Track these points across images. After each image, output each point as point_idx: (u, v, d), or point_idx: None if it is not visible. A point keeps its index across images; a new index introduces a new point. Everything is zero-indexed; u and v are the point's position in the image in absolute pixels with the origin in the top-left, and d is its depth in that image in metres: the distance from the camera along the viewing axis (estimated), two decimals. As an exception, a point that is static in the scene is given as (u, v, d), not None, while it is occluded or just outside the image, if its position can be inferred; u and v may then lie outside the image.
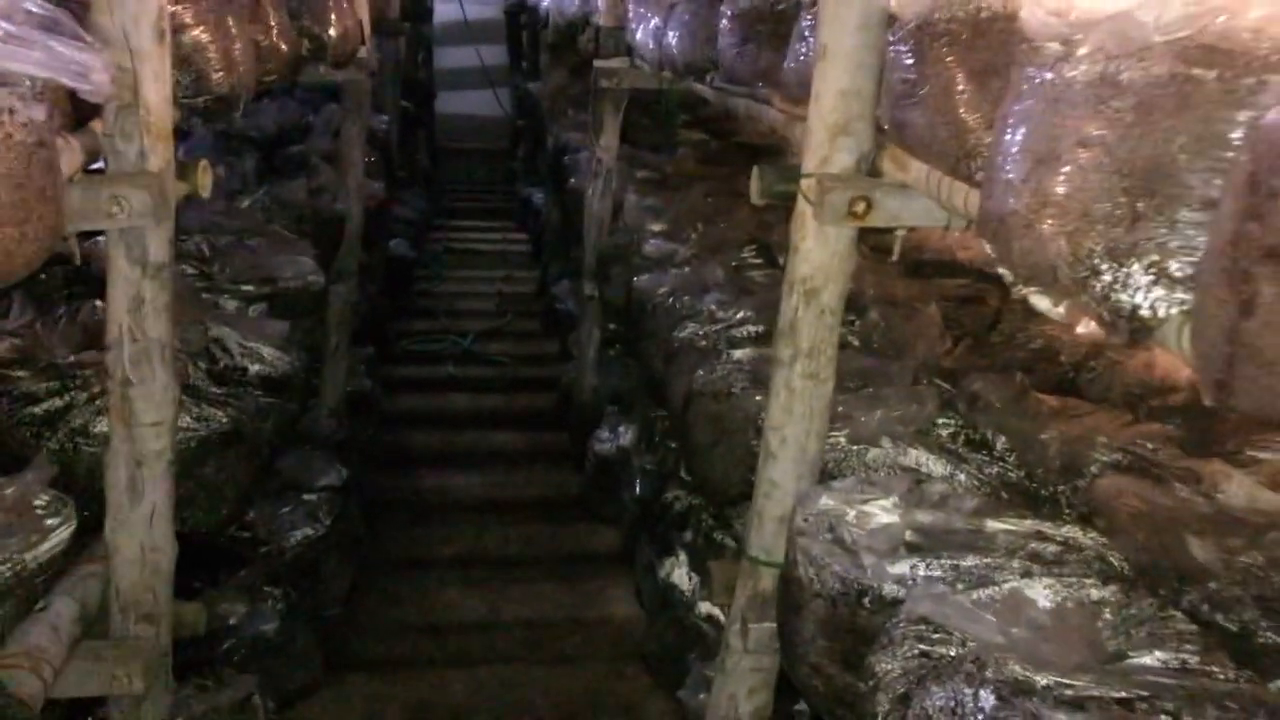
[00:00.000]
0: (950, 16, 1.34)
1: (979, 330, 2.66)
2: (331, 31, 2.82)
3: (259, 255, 2.96)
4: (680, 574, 2.93)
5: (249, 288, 2.81)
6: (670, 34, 2.78)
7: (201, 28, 1.91)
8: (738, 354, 2.41)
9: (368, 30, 3.64)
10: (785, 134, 2.15)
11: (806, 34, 1.88)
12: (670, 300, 2.83)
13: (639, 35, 3.32)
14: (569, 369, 4.76)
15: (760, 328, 2.53)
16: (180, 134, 4.29)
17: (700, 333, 2.61)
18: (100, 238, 3.79)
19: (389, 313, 5.89)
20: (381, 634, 3.18)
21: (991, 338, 2.63)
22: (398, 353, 5.49)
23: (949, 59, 1.34)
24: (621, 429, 3.88)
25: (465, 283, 6.86)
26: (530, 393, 5.06)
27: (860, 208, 1.63)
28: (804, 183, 1.72)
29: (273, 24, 2.44)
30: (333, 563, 3.30)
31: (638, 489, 3.54)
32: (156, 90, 1.51)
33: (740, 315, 2.62)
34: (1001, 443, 2.02)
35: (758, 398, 2.20)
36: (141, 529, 1.69)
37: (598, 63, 3.74)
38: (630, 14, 3.68)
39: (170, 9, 1.85)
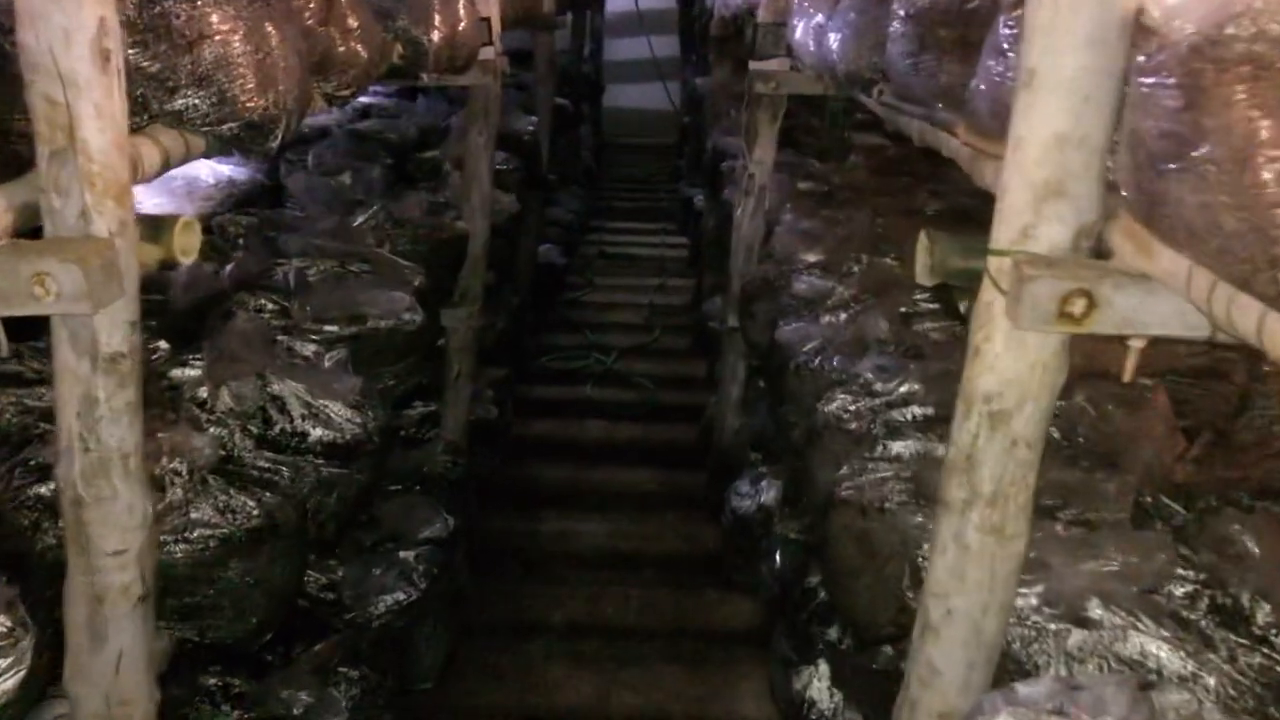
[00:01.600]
0: (1257, 34, 0.81)
1: (1220, 420, 2.05)
2: (434, 34, 2.43)
3: (351, 288, 2.61)
4: (819, 688, 2.42)
5: (331, 328, 2.46)
6: (832, 35, 2.27)
7: (229, 37, 1.54)
8: (897, 447, 1.89)
9: (496, 28, 3.26)
10: (972, 173, 1.62)
11: (1005, 46, 1.35)
12: (818, 360, 2.33)
13: (799, 34, 2.81)
14: (713, 401, 4.29)
15: (929, 410, 2.00)
16: (301, 139, 4.02)
17: (851, 408, 2.10)
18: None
19: (532, 325, 5.56)
20: (475, 721, 2.81)
21: (1238, 431, 2.02)
22: (536, 370, 5.15)
23: (1251, 106, 0.80)
24: (764, 484, 3.39)
25: (616, 291, 6.47)
26: (670, 422, 4.62)
27: (1078, 306, 1.11)
28: (993, 262, 1.21)
29: (351, 25, 2.06)
30: (427, 630, 2.95)
31: (777, 561, 3.04)
32: (101, 130, 1.13)
33: (905, 389, 2.09)
34: (1265, 614, 1.45)
35: (919, 518, 1.68)
36: (105, 678, 1.33)
37: (753, 64, 3.25)
38: (794, 8, 3.16)
39: (181, 10, 1.48)
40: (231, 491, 1.79)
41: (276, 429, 2.06)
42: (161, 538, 1.65)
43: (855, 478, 1.82)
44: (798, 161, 4.59)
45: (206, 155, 1.66)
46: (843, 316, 2.60)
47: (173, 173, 1.80)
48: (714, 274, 5.79)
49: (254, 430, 2.03)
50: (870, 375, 2.15)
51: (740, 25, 5.05)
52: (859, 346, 2.35)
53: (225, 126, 1.58)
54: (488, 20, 3.14)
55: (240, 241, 3.17)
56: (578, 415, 4.66)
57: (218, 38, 1.53)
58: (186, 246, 1.34)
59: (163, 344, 2.27)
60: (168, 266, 1.33)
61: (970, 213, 3.84)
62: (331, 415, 2.14)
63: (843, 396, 2.14)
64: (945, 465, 1.31)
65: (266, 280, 2.70)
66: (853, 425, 2.04)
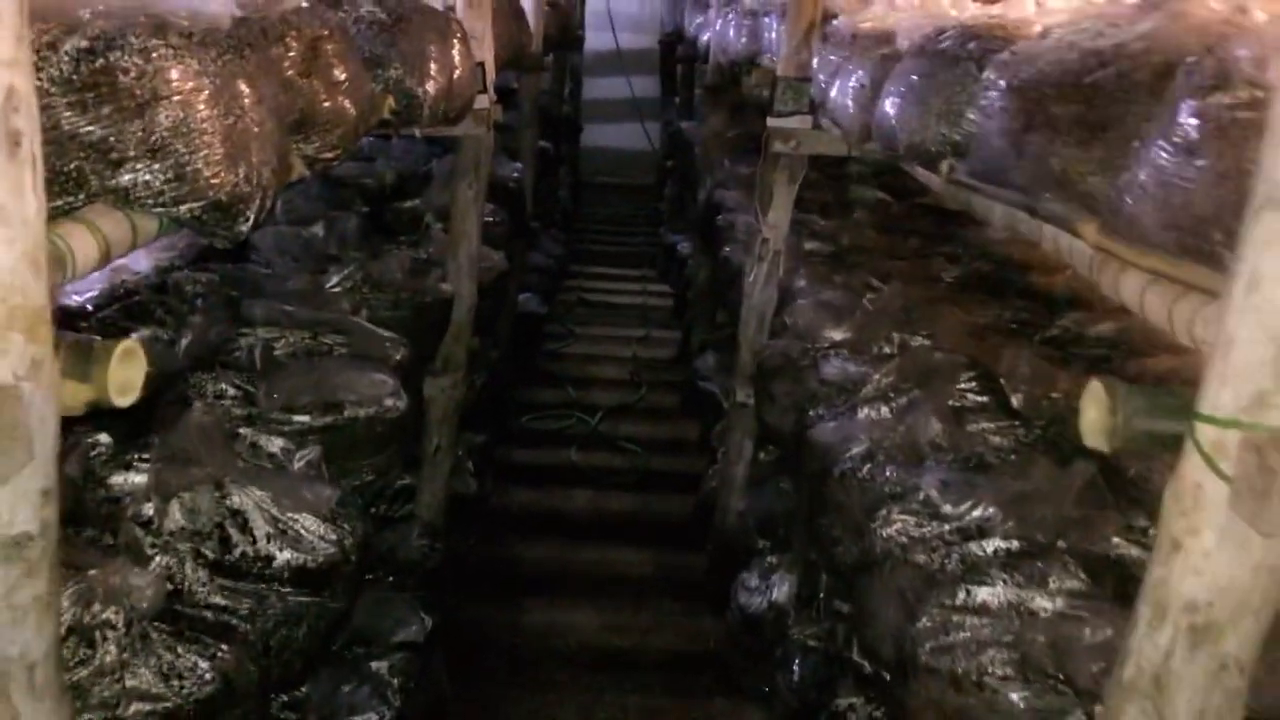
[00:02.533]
0: None
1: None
2: (430, 85, 2.12)
3: (325, 368, 2.28)
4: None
5: (303, 418, 2.13)
6: (888, 100, 1.99)
7: (191, 97, 1.22)
8: (983, 594, 1.59)
9: (490, 74, 2.96)
10: (1101, 281, 1.33)
11: (1188, 140, 1.06)
12: (867, 469, 2.03)
13: (833, 93, 2.54)
14: (710, 476, 3.98)
15: (1013, 543, 1.71)
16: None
17: (916, 533, 1.80)
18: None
19: (512, 379, 5.23)
20: None
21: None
22: (517, 431, 4.81)
23: None
24: (775, 578, 3.07)
25: (598, 343, 6.16)
26: (663, 492, 4.30)
27: (1346, 506, 0.81)
28: (1207, 433, 0.91)
29: (338, 77, 1.75)
30: (401, 753, 2.60)
31: (795, 672, 2.73)
32: (7, 241, 0.81)
33: (978, 512, 1.79)
34: None
35: (1027, 697, 1.38)
36: None
37: (772, 121, 2.97)
38: (817, 63, 2.90)
39: (131, 64, 1.17)
40: (179, 648, 1.45)
41: (236, 552, 1.72)
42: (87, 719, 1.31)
43: (940, 635, 1.52)
44: (801, 219, 4.32)
45: (157, 239, 1.34)
46: (884, 410, 2.31)
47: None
48: (703, 328, 5.52)
49: (209, 555, 1.70)
50: (934, 493, 1.85)
51: (738, 73, 4.80)
52: (912, 452, 2.05)
53: (184, 207, 1.26)
54: (482, 65, 2.84)
55: (198, 303, 2.83)
56: (562, 483, 4.33)
57: (177, 98, 1.22)
58: (126, 382, 1.02)
59: (103, 438, 1.93)
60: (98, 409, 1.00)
61: (993, 281, 3.59)
62: (302, 532, 1.81)
63: (903, 517, 1.84)
64: (1118, 683, 1.01)
65: (228, 356, 2.37)
66: (922, 557, 1.74)
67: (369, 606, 2.78)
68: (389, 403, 2.26)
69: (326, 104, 1.72)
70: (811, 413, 2.40)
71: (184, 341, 2.37)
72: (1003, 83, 1.52)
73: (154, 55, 1.19)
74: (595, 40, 9.60)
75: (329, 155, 1.76)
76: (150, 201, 1.23)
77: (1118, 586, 1.63)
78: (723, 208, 4.70)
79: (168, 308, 2.79)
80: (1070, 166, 1.40)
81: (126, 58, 1.17)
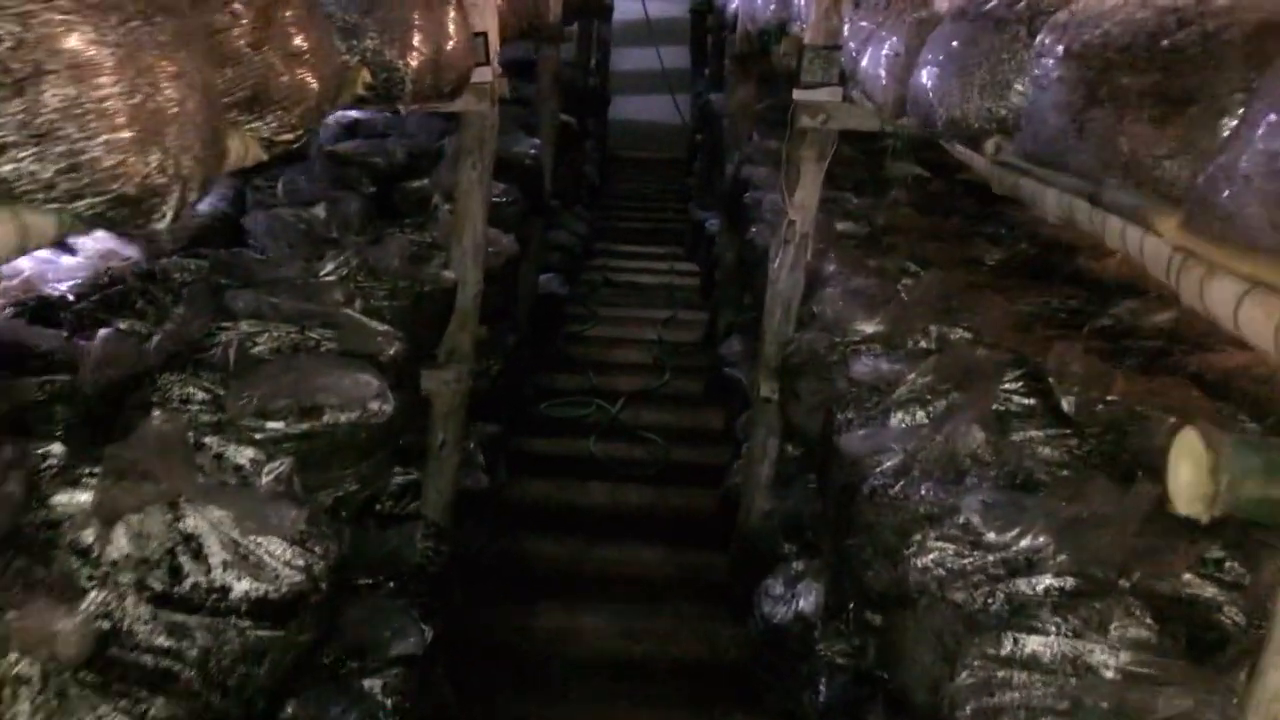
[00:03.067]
0: None
1: None
2: (413, 57, 1.91)
3: (306, 367, 2.09)
4: None
5: (277, 425, 1.94)
6: (925, 70, 1.75)
7: (87, 71, 1.02)
8: (1034, 644, 1.37)
9: (495, 44, 2.74)
10: (1181, 287, 1.11)
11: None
12: (901, 485, 1.81)
13: (864, 62, 2.30)
14: (734, 470, 3.77)
15: (1067, 581, 1.48)
16: (265, 164, 3.52)
17: (955, 564, 1.59)
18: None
19: (530, 365, 5.04)
20: None
21: None
22: (534, 419, 4.62)
23: None
24: (801, 587, 2.86)
25: (621, 325, 5.95)
26: (684, 485, 4.09)
27: None
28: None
29: (298, 46, 1.55)
30: (396, 778, 2.42)
31: (822, 692, 2.52)
32: None
33: (1027, 542, 1.57)
34: None
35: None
36: None
37: (798, 94, 2.73)
38: (848, 30, 2.65)
39: (8, 29, 0.97)
40: (102, 706, 1.27)
41: (187, 583, 1.54)
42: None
43: (983, 695, 1.30)
44: (833, 197, 4.07)
45: (59, 240, 1.15)
46: (920, 415, 2.09)
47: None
48: (730, 311, 5.29)
49: (156, 587, 1.51)
50: (975, 518, 1.63)
51: (767, 42, 4.54)
52: (951, 466, 1.83)
53: (83, 202, 1.06)
54: (484, 36, 2.62)
55: (184, 293, 2.65)
56: (579, 476, 4.13)
57: (68, 71, 1.01)
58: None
59: (56, 449, 1.76)
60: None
61: (1039, 265, 3.34)
62: (265, 558, 1.62)
63: (940, 545, 1.62)
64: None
65: (203, 354, 2.19)
66: (961, 595, 1.52)
67: (364, 616, 2.61)
68: (374, 406, 2.07)
69: (284, 78, 1.52)
70: (840, 416, 2.18)
71: (156, 338, 2.19)
72: (1060, 48, 1.28)
73: (36, 21, 0.99)
74: (624, 9, 9.32)
75: (288, 136, 1.56)
76: (40, 196, 1.04)
77: (1191, 633, 1.40)
78: (750, 184, 4.46)
79: (150, 298, 2.63)
80: (1143, 147, 1.17)
81: (1, 25, 0.98)
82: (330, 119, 4.64)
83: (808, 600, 2.81)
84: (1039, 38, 1.35)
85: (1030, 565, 1.53)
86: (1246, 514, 0.76)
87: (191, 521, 1.59)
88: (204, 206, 3.57)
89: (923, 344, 2.48)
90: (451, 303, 2.91)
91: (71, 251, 3.10)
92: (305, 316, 2.41)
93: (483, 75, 2.67)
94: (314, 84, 1.58)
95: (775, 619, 2.88)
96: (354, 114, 4.33)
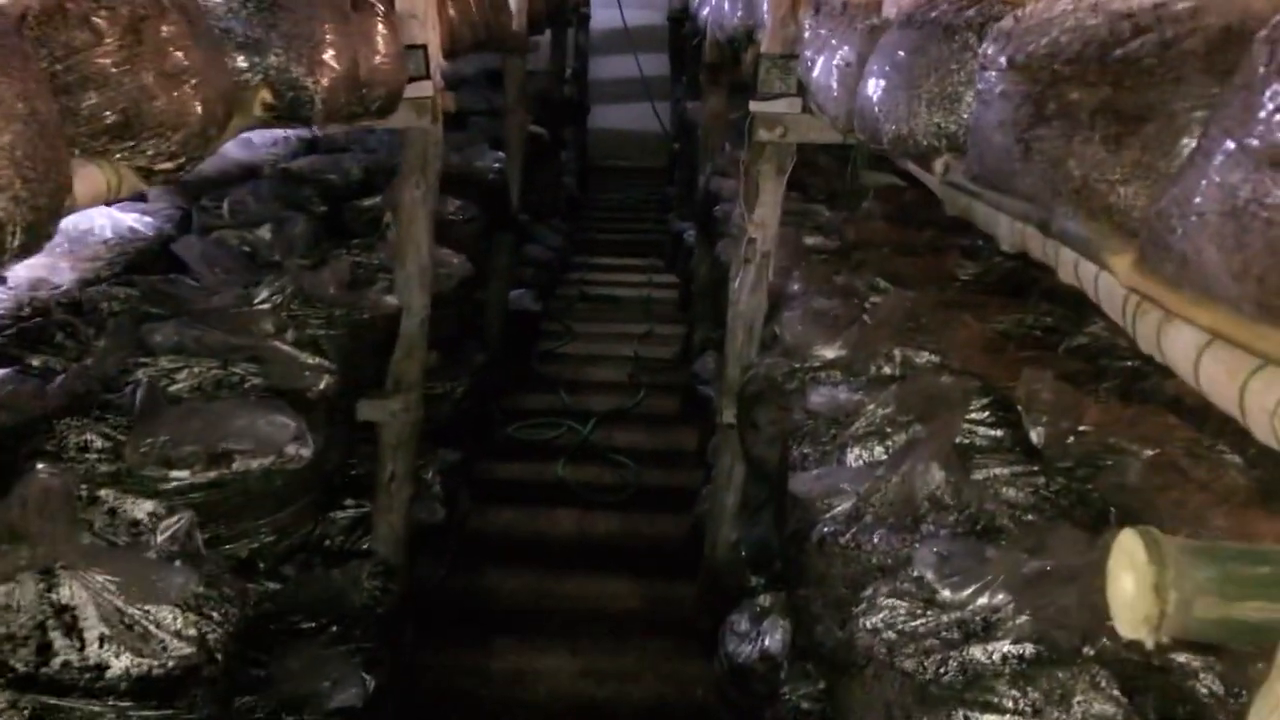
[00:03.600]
0: None
1: None
2: (323, 75, 1.77)
3: (217, 410, 1.94)
4: None
5: (180, 474, 1.80)
6: (871, 81, 1.61)
7: None
8: (986, 723, 1.22)
9: (435, 57, 2.60)
10: (1137, 334, 0.97)
11: (1246, 145, 0.70)
12: (853, 533, 1.66)
13: (816, 72, 2.17)
14: (704, 492, 3.62)
15: (1027, 646, 1.34)
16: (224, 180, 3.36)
17: (906, 627, 1.44)
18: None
19: (499, 385, 4.89)
20: None
21: None
22: (501, 442, 4.47)
23: None
24: (767, 624, 2.72)
25: (597, 341, 5.80)
26: (655, 511, 3.95)
27: None
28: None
29: (176, 65, 1.40)
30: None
31: (787, 738, 2.38)
32: None
33: (984, 600, 1.43)
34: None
35: None
36: None
37: (755, 105, 2.59)
38: (807, 37, 2.52)
39: None
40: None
41: (56, 663, 1.39)
42: None
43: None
44: (803, 209, 3.95)
45: None
46: (879, 450, 1.94)
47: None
48: (705, 327, 5.15)
49: (19, 668, 1.37)
50: (929, 572, 1.48)
51: (736, 50, 4.41)
52: (907, 509, 1.69)
53: None
54: (421, 49, 2.48)
55: (108, 325, 2.51)
56: (546, 503, 3.98)
57: None
58: None
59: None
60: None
61: (1015, 280, 3.20)
62: (151, 629, 1.47)
63: (891, 602, 1.47)
64: None
65: (115, 394, 2.04)
66: (911, 662, 1.38)
67: (302, 666, 2.47)
68: (291, 450, 1.92)
69: (158, 101, 1.37)
70: (795, 451, 2.04)
71: (60, 378, 2.04)
72: (1003, 59, 1.15)
73: None
74: (602, 17, 9.21)
75: (168, 165, 1.41)
76: None
77: (1163, 707, 1.26)
78: (720, 198, 4.33)
79: (71, 330, 2.49)
80: (1094, 171, 1.03)
81: None
82: (290, 134, 4.53)
83: (773, 638, 2.67)
84: (983, 48, 1.22)
85: (987, 628, 1.39)
86: (1201, 637, 0.62)
87: (67, 590, 1.45)
88: (149, 226, 3.44)
89: (886, 369, 2.34)
90: (395, 329, 2.77)
91: (1, 279, 2.96)
92: (230, 350, 2.27)
93: (421, 90, 2.53)
94: (197, 106, 1.44)
95: (740, 658, 2.73)
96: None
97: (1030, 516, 1.67)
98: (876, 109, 1.57)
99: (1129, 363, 2.52)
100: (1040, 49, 1.09)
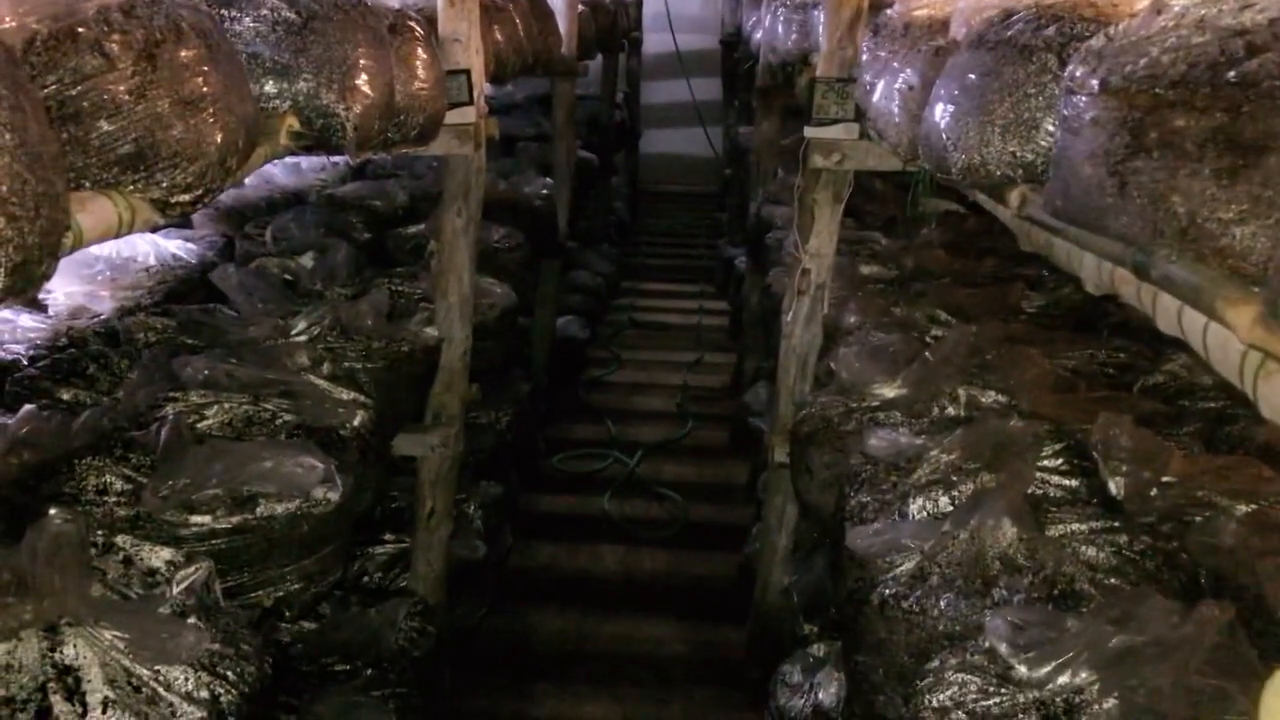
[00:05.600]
0: None
1: None
2: (357, 102, 1.68)
3: (243, 450, 1.85)
4: None
5: (201, 520, 1.71)
6: (939, 106, 1.49)
7: None
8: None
9: (479, 82, 2.52)
10: (1262, 399, 0.83)
11: None
12: (917, 596, 1.53)
13: (876, 96, 2.04)
14: (755, 529, 3.49)
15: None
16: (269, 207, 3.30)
17: (977, 707, 1.30)
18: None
19: (545, 414, 4.80)
20: None
21: None
22: (546, 474, 4.37)
23: None
24: (821, 676, 2.57)
25: (645, 368, 5.69)
26: (704, 549, 3.81)
27: None
28: None
29: (196, 92, 1.32)
30: None
31: (842, 804, 2.23)
32: None
33: (1066, 677, 1.28)
34: None
35: None
36: None
37: (810, 131, 2.48)
38: (865, 60, 2.40)
39: None
40: None
41: (52, 733, 1.30)
42: None
43: None
44: (859, 237, 3.81)
45: None
46: (943, 501, 1.80)
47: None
48: (757, 355, 5.03)
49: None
50: (1003, 644, 1.34)
51: (790, 73, 4.30)
52: (977, 571, 1.55)
53: None
54: (464, 74, 2.40)
55: (143, 356, 2.45)
56: (590, 538, 3.87)
57: None
58: None
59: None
60: None
61: (1083, 313, 3.04)
62: (159, 691, 1.38)
63: (961, 678, 1.34)
64: None
65: (137, 432, 1.96)
66: (983, 749, 1.24)
67: (334, 713, 2.38)
68: (319, 493, 1.83)
69: (174, 130, 1.29)
70: (853, 500, 1.90)
71: (85, 414, 1.97)
72: (1094, 82, 1.02)
73: None
74: (654, 42, 9.16)
75: (184, 198, 1.33)
76: None
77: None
78: (772, 225, 4.21)
79: (105, 362, 2.43)
80: (1204, 209, 0.90)
81: None
82: (338, 159, 4.49)
83: (828, 692, 2.52)
84: (1069, 69, 1.09)
85: (1070, 711, 1.25)
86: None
87: (72, 649, 1.36)
88: (192, 253, 3.40)
89: (949, 410, 2.19)
90: (435, 362, 2.68)
91: (42, 308, 2.93)
92: (262, 385, 2.19)
93: (464, 116, 2.45)
94: (216, 135, 1.36)
95: (792, 712, 2.59)
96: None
97: (1113, 580, 1.52)
98: (944, 136, 1.45)
99: (1211, 404, 2.36)
100: (1139, 70, 0.97)
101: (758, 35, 5.35)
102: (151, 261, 3.26)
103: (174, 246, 3.38)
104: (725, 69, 8.78)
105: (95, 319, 2.85)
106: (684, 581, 3.61)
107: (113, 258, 3.21)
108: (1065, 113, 1.08)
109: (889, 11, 2.45)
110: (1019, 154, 1.34)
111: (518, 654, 3.17)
